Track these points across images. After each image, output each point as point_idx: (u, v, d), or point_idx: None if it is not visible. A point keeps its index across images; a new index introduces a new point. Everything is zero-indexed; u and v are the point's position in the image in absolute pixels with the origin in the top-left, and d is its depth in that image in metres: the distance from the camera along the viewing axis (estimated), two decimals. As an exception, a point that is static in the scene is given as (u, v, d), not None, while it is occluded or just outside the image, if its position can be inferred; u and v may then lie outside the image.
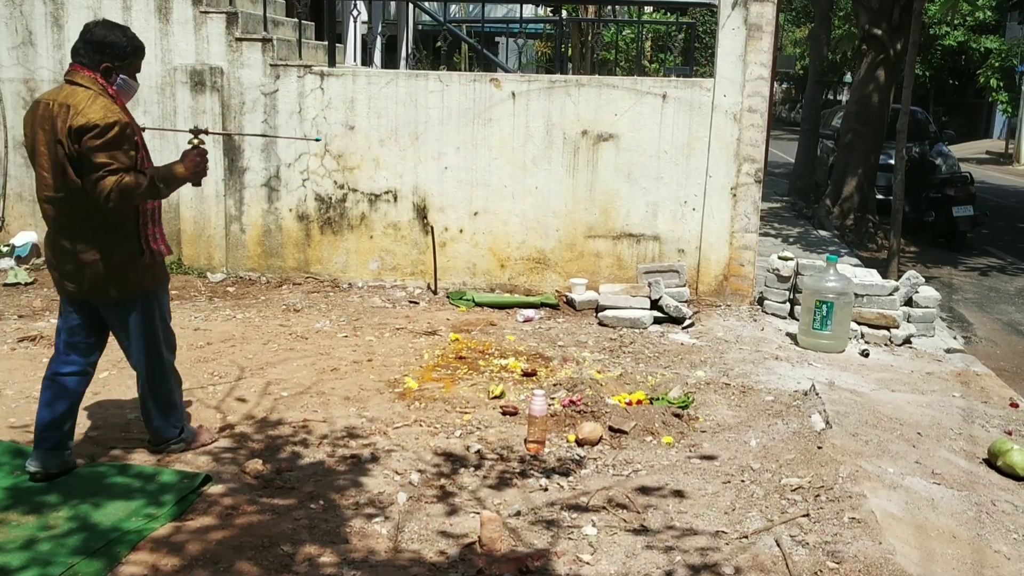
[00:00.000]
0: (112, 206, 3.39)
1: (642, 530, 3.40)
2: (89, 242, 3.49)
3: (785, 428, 4.35)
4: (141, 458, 3.85)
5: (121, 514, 3.32)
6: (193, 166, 3.58)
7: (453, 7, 19.82)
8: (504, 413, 4.54)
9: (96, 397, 4.52)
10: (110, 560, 3.01)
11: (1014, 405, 5.02)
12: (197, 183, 3.68)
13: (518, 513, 3.51)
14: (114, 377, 4.83)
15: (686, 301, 6.50)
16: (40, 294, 6.53)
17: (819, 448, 4.01)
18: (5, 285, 6.68)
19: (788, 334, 6.21)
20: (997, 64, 23.26)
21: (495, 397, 4.74)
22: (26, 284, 6.74)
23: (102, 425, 4.19)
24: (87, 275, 3.52)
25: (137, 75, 3.69)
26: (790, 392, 4.96)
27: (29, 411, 4.32)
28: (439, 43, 8.12)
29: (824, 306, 5.82)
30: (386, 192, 7.01)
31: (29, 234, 7.34)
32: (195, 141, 3.64)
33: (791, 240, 10.51)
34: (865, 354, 5.84)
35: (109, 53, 3.53)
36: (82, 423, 4.20)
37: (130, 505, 3.38)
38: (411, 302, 6.73)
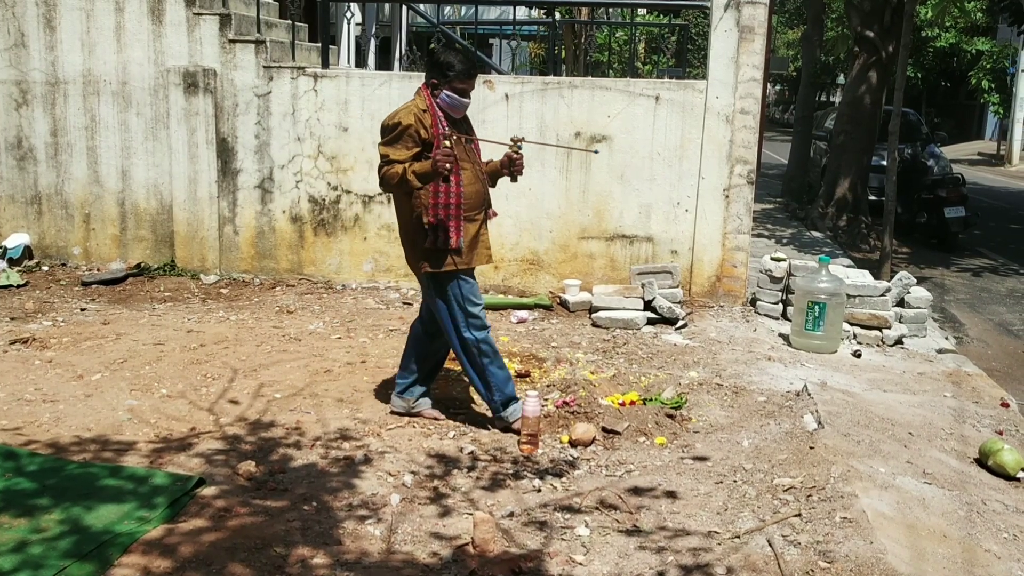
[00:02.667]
0: (384, 191, 4.20)
1: (635, 531, 3.40)
2: (398, 221, 4.34)
3: (777, 428, 4.36)
4: (133, 460, 3.84)
5: (113, 516, 3.31)
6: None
7: (447, 9, 19.81)
8: (497, 414, 4.54)
9: (88, 399, 4.51)
10: (102, 563, 3.01)
11: (1005, 405, 5.04)
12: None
13: (511, 514, 3.51)
14: (106, 379, 4.82)
15: (679, 302, 6.51)
16: (32, 296, 6.51)
17: (811, 448, 4.02)
18: (-3, 287, 6.66)
19: (781, 335, 6.22)
20: (988, 66, 23.37)
21: (488, 398, 4.74)
22: (18, 286, 6.72)
23: (94, 426, 4.19)
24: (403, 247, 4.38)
25: (467, 98, 4.17)
26: (782, 393, 4.97)
27: (21, 413, 4.31)
28: (433, 45, 8.13)
29: (816, 307, 5.83)
30: (379, 193, 7.01)
31: (21, 236, 7.32)
32: (514, 148, 4.19)
33: (784, 241, 10.53)
34: (857, 355, 5.86)
35: (437, 72, 4.12)
36: (74, 424, 4.19)
37: (122, 508, 3.38)
38: (405, 303, 6.73)
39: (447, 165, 3.96)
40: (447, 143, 4.04)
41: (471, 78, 4.14)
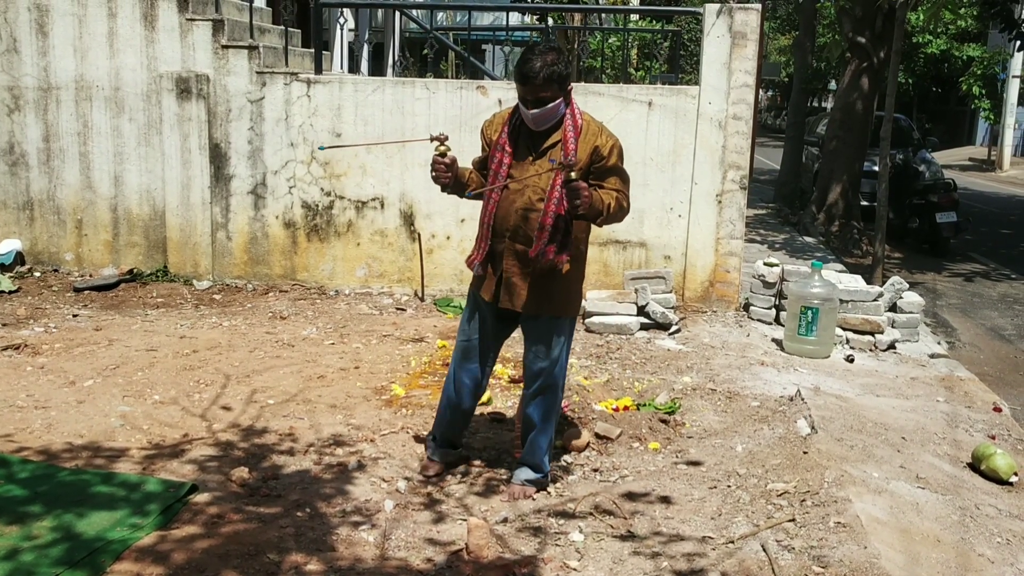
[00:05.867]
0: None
1: (629, 536, 3.40)
2: None
3: (771, 433, 4.37)
4: (126, 467, 3.83)
5: (105, 523, 3.29)
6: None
7: (440, 15, 19.84)
8: (491, 420, 4.54)
9: (80, 405, 4.49)
10: (94, 570, 2.99)
11: (997, 410, 5.06)
12: (443, 190, 3.73)
13: (505, 520, 3.51)
14: (99, 385, 4.80)
15: (672, 307, 6.51)
16: (24, 302, 6.48)
17: (805, 453, 4.03)
18: (-12, 293, 6.63)
19: (774, 340, 6.24)
20: (979, 72, 23.47)
21: (482, 404, 4.73)
22: (10, 292, 6.69)
23: (86, 433, 4.17)
24: None
25: (528, 107, 3.50)
26: (776, 397, 4.98)
27: (12, 420, 4.29)
28: (426, 51, 8.13)
29: (809, 312, 5.85)
30: (373, 199, 7.01)
31: (13, 242, 7.29)
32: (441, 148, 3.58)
33: (777, 246, 10.56)
34: (850, 359, 5.87)
35: None
36: (66, 431, 4.17)
37: (115, 514, 3.36)
38: (398, 309, 6.72)
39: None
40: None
41: (523, 83, 3.45)
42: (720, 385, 5.19)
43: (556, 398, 3.77)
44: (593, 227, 3.75)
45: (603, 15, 14.40)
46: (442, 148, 3.56)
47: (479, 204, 7.35)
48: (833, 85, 27.68)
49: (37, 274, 7.27)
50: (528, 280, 3.59)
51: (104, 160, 7.20)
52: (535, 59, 3.44)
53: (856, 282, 6.55)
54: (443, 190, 3.73)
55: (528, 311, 3.62)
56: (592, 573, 3.14)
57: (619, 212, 3.58)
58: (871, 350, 6.14)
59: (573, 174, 3.38)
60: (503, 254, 3.63)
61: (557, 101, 3.49)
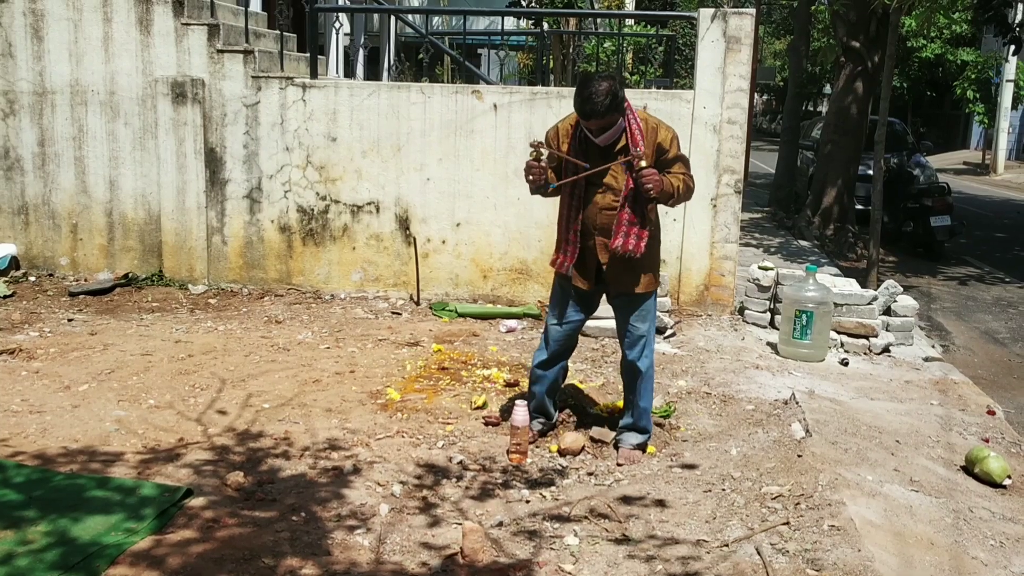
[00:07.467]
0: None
1: (624, 540, 3.41)
2: None
3: (766, 437, 4.38)
4: (121, 471, 3.83)
5: (100, 528, 3.29)
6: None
7: (436, 19, 19.85)
8: (486, 424, 4.54)
9: (75, 410, 4.49)
10: (89, 575, 2.99)
11: (991, 413, 5.08)
12: (533, 192, 4.06)
13: (500, 524, 3.51)
14: (94, 390, 4.79)
15: (667, 311, 6.52)
16: (19, 307, 6.47)
17: (799, 456, 4.04)
18: (-17, 298, 6.62)
19: (768, 343, 6.25)
20: (973, 76, 23.58)
21: (477, 408, 4.75)
22: (4, 297, 6.68)
23: (81, 437, 4.16)
24: None
25: (595, 135, 3.92)
26: (770, 401, 4.99)
27: (7, 424, 4.28)
28: (421, 55, 8.14)
29: (804, 315, 5.86)
30: (368, 203, 7.01)
31: (8, 246, 7.28)
32: (533, 153, 3.92)
33: (771, 250, 10.58)
34: (844, 363, 5.89)
35: None
36: (61, 435, 4.17)
37: (110, 519, 3.36)
38: (394, 313, 6.72)
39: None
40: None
41: (588, 119, 3.81)
42: (715, 389, 5.20)
43: (651, 363, 4.24)
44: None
45: (598, 20, 14.41)
46: (535, 153, 3.91)
47: (473, 209, 7.37)
48: (828, 89, 27.77)
49: (32, 279, 7.26)
50: (619, 266, 4.02)
51: (99, 164, 7.20)
52: (594, 95, 3.74)
53: (851, 286, 6.57)
54: (532, 192, 4.07)
55: (626, 290, 4.09)
56: (587, 576, 3.15)
57: (687, 192, 4.05)
58: (865, 353, 6.15)
59: (643, 163, 3.79)
60: (594, 249, 4.04)
61: (619, 122, 3.88)
